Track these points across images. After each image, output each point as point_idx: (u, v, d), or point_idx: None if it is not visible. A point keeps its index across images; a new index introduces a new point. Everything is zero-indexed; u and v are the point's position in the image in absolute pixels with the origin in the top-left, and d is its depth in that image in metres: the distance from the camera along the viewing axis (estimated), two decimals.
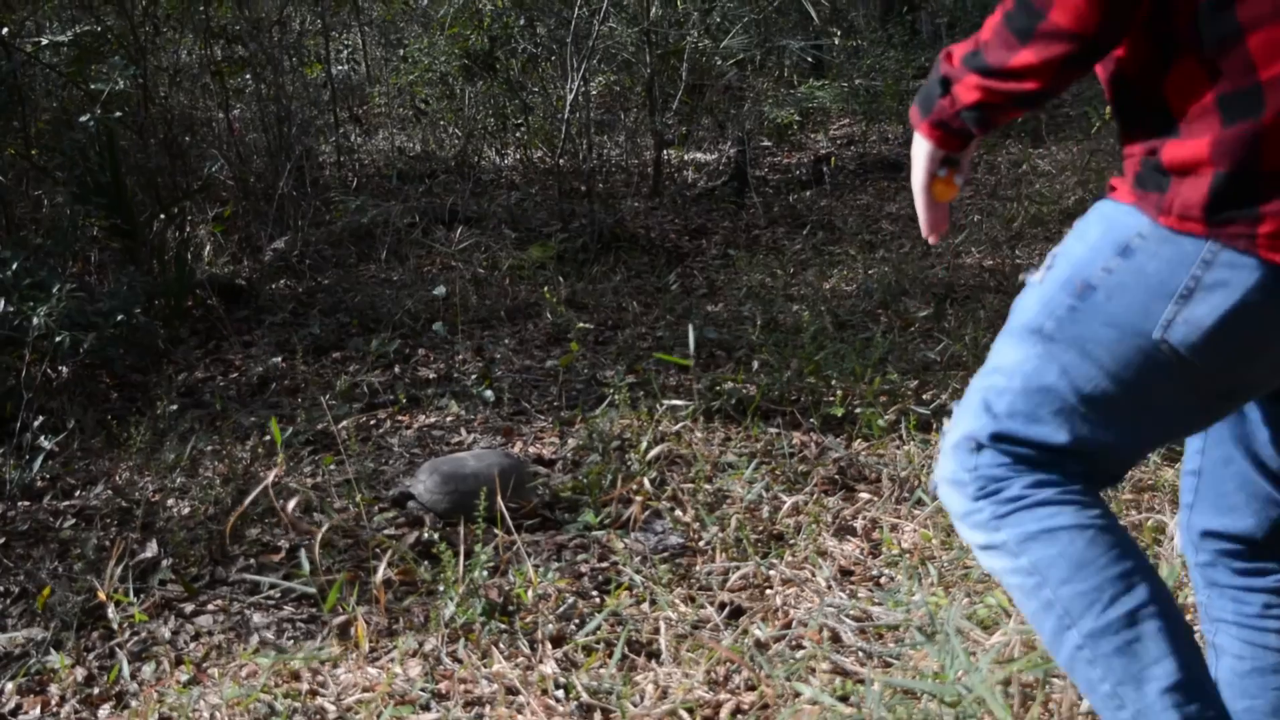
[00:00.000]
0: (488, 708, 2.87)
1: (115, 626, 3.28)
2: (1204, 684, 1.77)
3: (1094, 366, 1.77)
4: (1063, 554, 1.79)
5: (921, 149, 1.95)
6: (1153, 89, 1.73)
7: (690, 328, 4.64)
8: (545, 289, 6.68)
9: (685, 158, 10.04)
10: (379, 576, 3.30)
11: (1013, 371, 1.84)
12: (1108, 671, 1.77)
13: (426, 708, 2.87)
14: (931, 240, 2.06)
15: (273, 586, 3.60)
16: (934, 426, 4.35)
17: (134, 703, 3.04)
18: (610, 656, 3.05)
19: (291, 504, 3.87)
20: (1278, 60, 1.61)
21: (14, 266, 5.33)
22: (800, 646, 3.06)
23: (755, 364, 5.31)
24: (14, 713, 3.09)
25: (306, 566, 3.33)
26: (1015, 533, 1.82)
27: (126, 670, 3.17)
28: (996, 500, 1.85)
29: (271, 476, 3.71)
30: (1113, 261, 1.74)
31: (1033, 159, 10.01)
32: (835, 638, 3.09)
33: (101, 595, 3.31)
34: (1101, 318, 1.75)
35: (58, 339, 5.09)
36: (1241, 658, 2.05)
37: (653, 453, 4.27)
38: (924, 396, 4.77)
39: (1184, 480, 2.10)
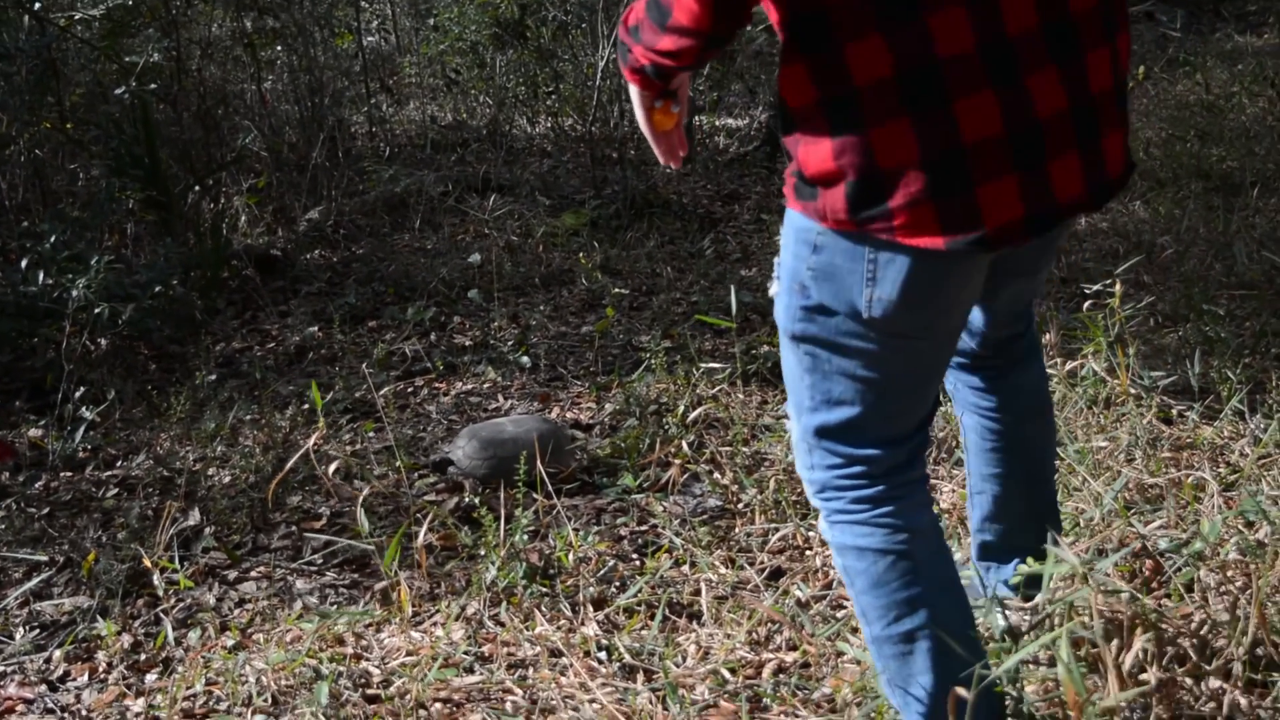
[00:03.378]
0: (531, 670, 2.88)
1: (160, 594, 3.31)
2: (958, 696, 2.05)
3: (841, 349, 2.06)
4: (866, 571, 2.15)
5: (633, 91, 2.22)
6: (781, 88, 1.97)
7: (732, 290, 4.62)
8: (579, 255, 6.68)
9: (717, 123, 10.00)
10: (420, 541, 3.31)
11: (798, 374, 2.16)
12: (886, 667, 2.18)
13: (470, 670, 2.89)
14: (673, 165, 2.34)
15: (316, 550, 3.63)
16: None
17: (180, 668, 3.07)
18: (652, 618, 3.07)
19: (332, 468, 3.89)
20: (868, 67, 1.84)
21: (52, 239, 5.37)
22: (841, 606, 3.06)
23: None
24: (62, 679, 3.12)
25: (365, 524, 3.33)
26: (836, 539, 2.19)
27: (172, 636, 3.20)
28: (828, 508, 2.21)
29: (313, 440, 3.73)
30: (811, 259, 2.02)
31: None
32: None
33: (147, 562, 3.34)
34: (824, 309, 2.04)
35: (96, 311, 5.13)
36: (980, 436, 2.60)
37: (690, 416, 4.28)
38: None
39: None
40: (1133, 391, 3.90)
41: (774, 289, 2.14)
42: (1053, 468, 2.69)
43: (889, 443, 2.16)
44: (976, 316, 2.50)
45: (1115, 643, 2.24)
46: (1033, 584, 2.67)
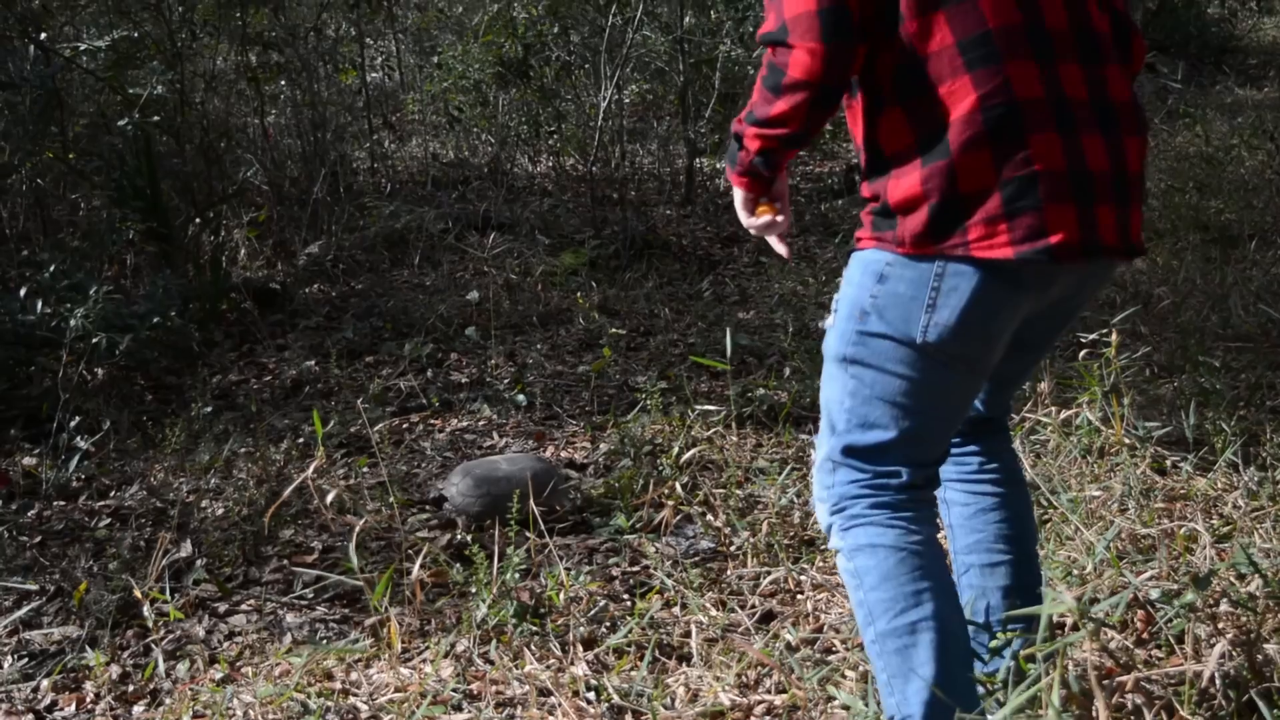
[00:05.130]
0: (519, 709, 2.88)
1: (150, 625, 3.30)
2: (957, 691, 2.21)
3: (888, 374, 2.27)
4: (877, 566, 2.29)
5: (738, 196, 2.49)
6: (873, 140, 2.24)
7: (728, 332, 4.63)
8: (578, 295, 6.69)
9: (718, 166, 10.03)
10: (413, 577, 3.31)
11: (839, 397, 2.35)
12: (888, 664, 2.27)
13: (458, 708, 2.88)
14: (787, 256, 2.65)
15: (308, 585, 3.62)
16: None
17: (168, 700, 3.06)
18: (641, 659, 3.06)
19: (330, 496, 3.89)
20: (958, 106, 2.12)
21: (52, 269, 5.38)
22: (832, 651, 3.06)
23: (787, 370, 5.31)
24: (49, 709, 3.11)
25: (354, 560, 3.33)
26: (850, 543, 2.34)
27: (161, 668, 3.20)
28: (844, 516, 2.36)
29: (312, 469, 3.72)
30: (875, 289, 2.24)
31: None
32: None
33: (138, 593, 3.33)
34: (880, 335, 2.25)
35: (94, 340, 5.14)
36: (966, 505, 2.62)
37: (685, 458, 4.28)
38: None
39: None
40: (1127, 441, 3.90)
41: (828, 321, 2.38)
42: (1035, 545, 2.68)
43: (913, 464, 2.35)
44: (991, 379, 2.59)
45: (1105, 691, 2.24)
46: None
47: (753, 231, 2.54)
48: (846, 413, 2.34)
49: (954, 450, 2.64)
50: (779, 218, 2.51)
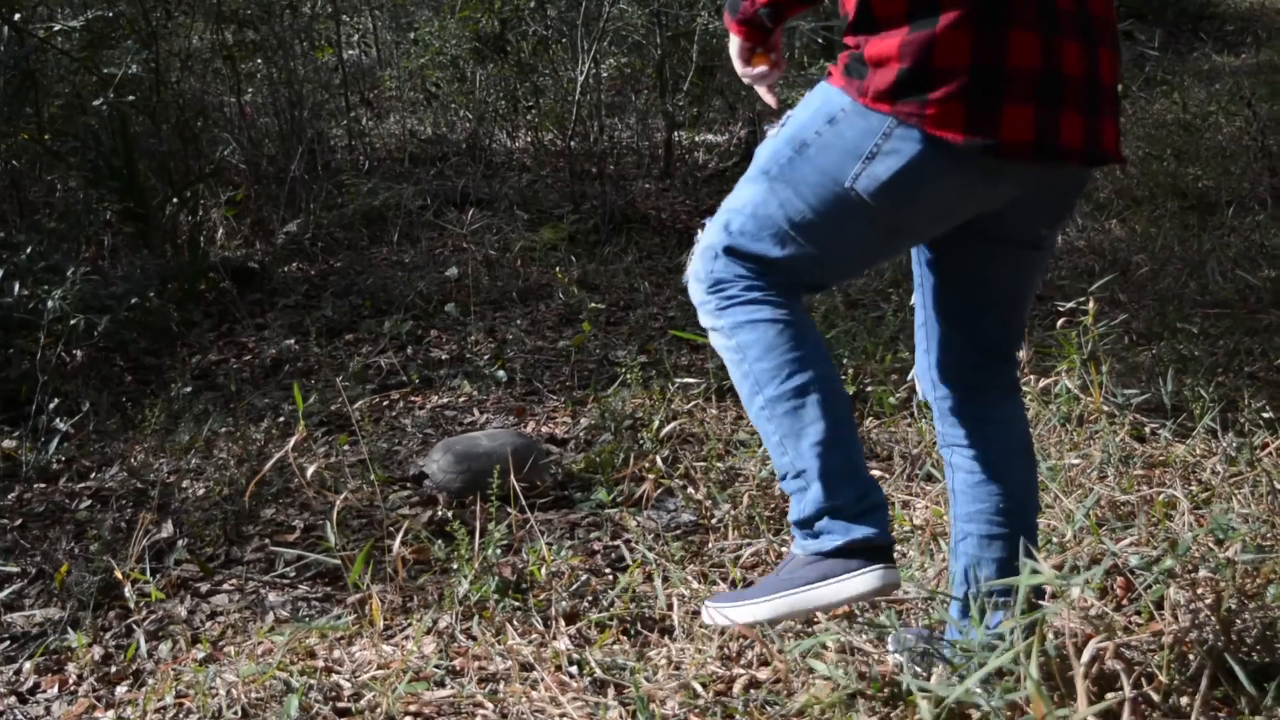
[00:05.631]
0: (502, 684, 2.88)
1: (132, 606, 3.30)
2: (845, 443, 2.38)
3: (802, 202, 2.34)
4: (759, 339, 2.41)
5: (734, 43, 2.57)
6: (866, 5, 2.27)
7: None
8: (557, 270, 6.69)
9: (696, 139, 10.01)
10: (394, 554, 3.31)
11: (746, 202, 2.42)
12: (779, 427, 2.40)
13: (441, 684, 2.88)
14: (772, 103, 2.70)
15: (290, 563, 3.63)
16: None
17: (151, 680, 3.06)
18: (624, 633, 3.07)
19: (311, 470, 3.89)
20: None
21: (28, 250, 5.36)
22: (813, 623, 3.07)
23: None
24: (32, 691, 3.11)
25: (332, 538, 3.33)
26: (729, 321, 2.44)
27: (144, 648, 3.20)
28: (720, 296, 2.45)
29: (292, 443, 3.72)
30: (823, 127, 2.32)
31: None
32: (848, 614, 3.10)
33: (119, 574, 3.32)
34: (810, 167, 2.33)
35: (72, 322, 5.12)
36: (971, 473, 2.64)
37: (665, 431, 4.28)
38: None
39: (916, 332, 2.72)
40: (1105, 409, 3.92)
41: (773, 131, 2.44)
42: (1035, 517, 2.70)
43: (784, 278, 2.44)
44: (977, 317, 2.65)
45: (1084, 658, 2.25)
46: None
47: (745, 80, 2.62)
48: (745, 219, 2.42)
49: (964, 412, 2.67)
50: (774, 69, 2.59)
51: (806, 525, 2.40)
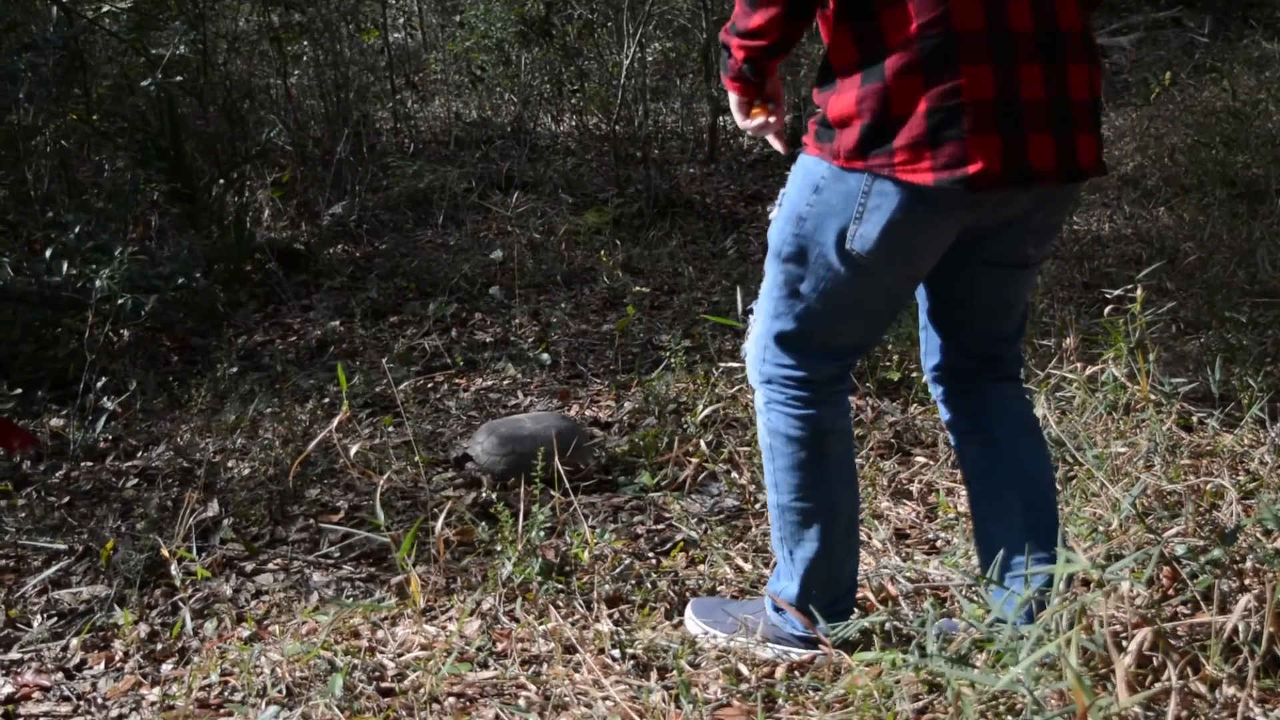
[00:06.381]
0: (545, 666, 2.88)
1: (178, 584, 3.32)
2: (834, 563, 2.72)
3: (815, 276, 2.50)
4: (787, 454, 2.65)
5: (732, 99, 2.72)
6: (828, 52, 2.41)
7: (738, 290, 4.62)
8: (601, 253, 6.69)
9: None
10: (438, 535, 3.32)
11: (771, 285, 2.60)
12: (781, 529, 2.72)
13: (484, 665, 2.89)
14: (780, 148, 2.80)
15: (334, 543, 3.64)
16: None
17: (196, 658, 3.08)
18: (667, 616, 3.07)
19: (354, 449, 3.90)
20: (898, 32, 2.26)
21: (77, 230, 5.39)
22: (856, 607, 3.06)
23: None
24: (79, 667, 3.13)
25: (380, 517, 3.34)
26: (770, 422, 2.68)
27: (189, 626, 3.21)
28: (768, 393, 2.67)
29: (335, 422, 3.73)
30: (811, 198, 2.45)
31: None
32: (891, 599, 3.09)
33: (165, 553, 3.35)
34: (811, 241, 2.47)
35: (119, 302, 5.15)
36: (979, 458, 2.76)
37: (708, 415, 4.28)
38: None
39: (920, 334, 2.84)
40: (1153, 398, 3.89)
41: (774, 213, 2.57)
42: (1053, 491, 2.73)
43: (829, 356, 2.61)
44: (960, 328, 2.77)
45: (1131, 648, 2.24)
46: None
47: (749, 132, 2.74)
48: (777, 301, 2.58)
49: (960, 405, 2.80)
50: (771, 118, 2.70)
51: (775, 604, 2.81)
